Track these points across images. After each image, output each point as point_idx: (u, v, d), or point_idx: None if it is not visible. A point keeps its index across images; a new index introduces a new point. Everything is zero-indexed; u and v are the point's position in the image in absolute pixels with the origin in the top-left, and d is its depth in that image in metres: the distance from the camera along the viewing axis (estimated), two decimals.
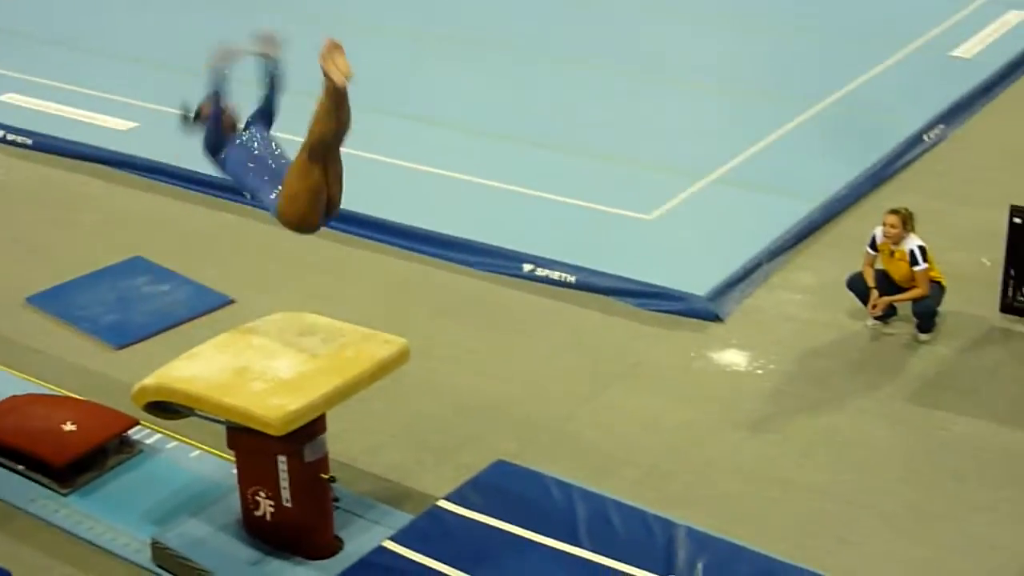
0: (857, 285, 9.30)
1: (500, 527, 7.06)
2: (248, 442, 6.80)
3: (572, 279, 10.01)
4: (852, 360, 9.00)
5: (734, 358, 9.07)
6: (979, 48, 14.94)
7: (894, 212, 9.12)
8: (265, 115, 6.91)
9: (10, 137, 13.02)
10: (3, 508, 7.59)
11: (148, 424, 8.01)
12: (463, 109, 13.41)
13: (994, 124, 13.08)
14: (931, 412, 8.36)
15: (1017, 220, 9.25)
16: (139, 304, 9.90)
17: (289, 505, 6.86)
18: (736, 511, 7.47)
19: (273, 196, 6.58)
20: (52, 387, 8.71)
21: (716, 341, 9.27)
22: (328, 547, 7.01)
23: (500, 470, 7.58)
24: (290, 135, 6.83)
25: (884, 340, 9.21)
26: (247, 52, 6.80)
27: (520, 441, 8.15)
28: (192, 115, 6.94)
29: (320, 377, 6.68)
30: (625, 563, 6.76)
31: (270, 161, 6.68)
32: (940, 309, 9.21)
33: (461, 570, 6.73)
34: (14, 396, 8.33)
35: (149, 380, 6.94)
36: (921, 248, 9.02)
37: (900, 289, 9.16)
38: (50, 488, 7.64)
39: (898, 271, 9.15)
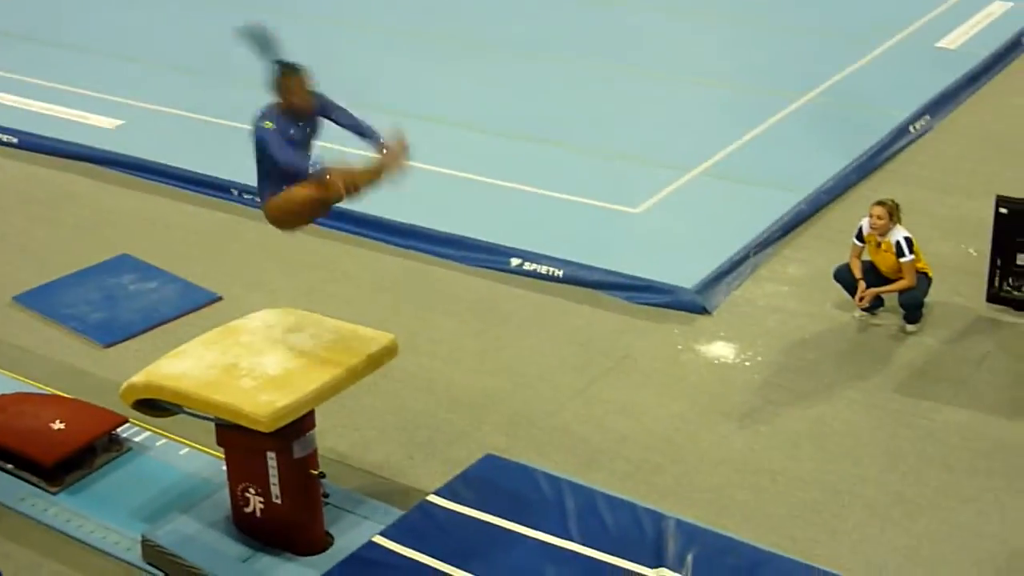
0: (844, 276, 9.33)
1: (490, 521, 7.06)
2: (237, 439, 6.79)
3: (560, 273, 10.02)
4: (840, 351, 9.03)
5: (722, 350, 9.09)
6: (964, 39, 14.99)
7: (880, 204, 9.14)
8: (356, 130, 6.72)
9: None
10: None
11: (137, 422, 8.00)
12: (449, 105, 13.41)
13: (980, 115, 13.12)
14: (918, 402, 8.39)
15: (1003, 210, 9.28)
16: (126, 302, 9.89)
17: (279, 501, 6.86)
18: (725, 503, 7.50)
19: (268, 194, 6.59)
20: (40, 386, 8.69)
21: (704, 334, 9.29)
22: (318, 543, 7.02)
23: (490, 464, 7.59)
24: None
25: (871, 331, 9.23)
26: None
27: (509, 435, 8.16)
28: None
29: (309, 373, 6.68)
30: (615, 556, 6.76)
31: (297, 166, 6.51)
32: (927, 300, 9.24)
33: (452, 565, 6.73)
34: (2, 395, 8.31)
35: (137, 378, 6.94)
36: (907, 239, 9.04)
37: (887, 280, 9.18)
38: (39, 487, 7.63)
39: (885, 262, 9.17)
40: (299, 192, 6.47)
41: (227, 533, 7.08)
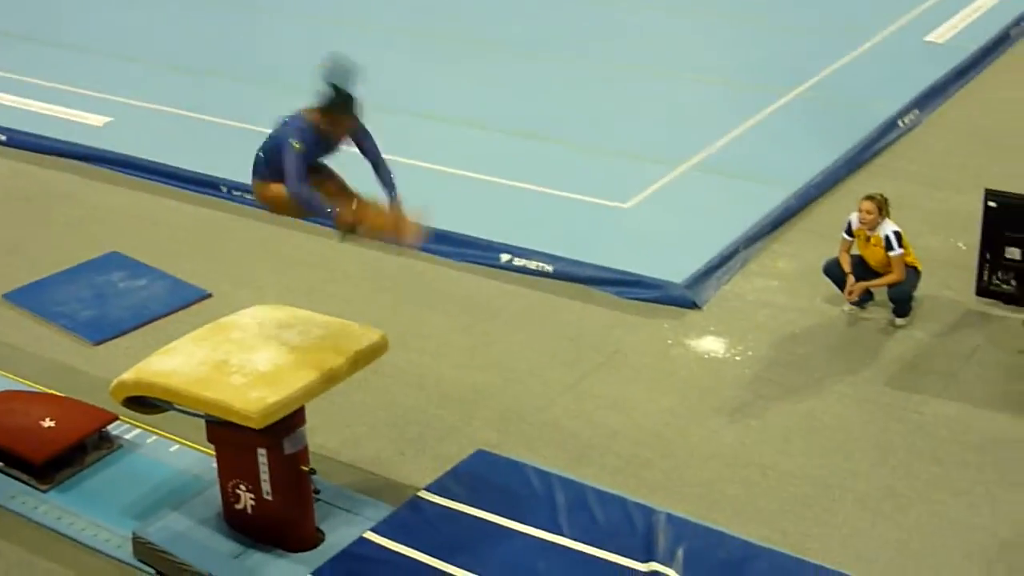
0: (833, 271, 9.34)
1: (481, 517, 7.07)
2: (228, 435, 6.79)
3: (550, 268, 10.02)
4: (829, 345, 9.04)
5: (712, 345, 9.10)
6: (953, 33, 15.02)
7: (869, 198, 9.15)
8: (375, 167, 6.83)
9: None
10: None
11: (127, 419, 7.99)
12: (437, 100, 13.40)
13: (968, 109, 13.15)
14: (908, 396, 8.41)
15: (992, 204, 9.30)
16: (116, 299, 9.88)
17: (270, 498, 6.86)
18: (716, 497, 7.50)
19: (262, 178, 6.66)
20: (30, 383, 8.68)
21: (694, 328, 9.30)
22: (309, 539, 7.01)
23: (480, 460, 7.59)
24: None
25: (861, 325, 9.25)
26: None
27: (500, 431, 8.16)
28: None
29: (299, 369, 6.67)
30: (606, 550, 6.78)
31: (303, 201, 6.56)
32: (916, 294, 9.25)
33: (443, 560, 6.74)
34: None
35: (127, 375, 6.93)
36: (896, 233, 9.06)
37: (876, 274, 9.20)
38: (30, 485, 7.62)
39: (874, 256, 9.18)
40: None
41: (218, 530, 7.07)
